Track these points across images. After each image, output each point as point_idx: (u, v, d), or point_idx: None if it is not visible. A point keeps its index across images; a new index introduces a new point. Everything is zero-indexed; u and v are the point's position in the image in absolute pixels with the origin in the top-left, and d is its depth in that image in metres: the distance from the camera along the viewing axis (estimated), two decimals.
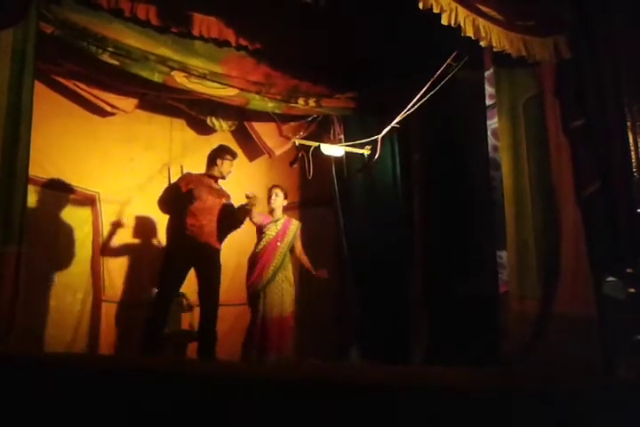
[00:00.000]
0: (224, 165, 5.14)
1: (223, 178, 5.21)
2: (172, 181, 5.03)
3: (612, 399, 2.43)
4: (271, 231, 5.43)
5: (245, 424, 2.40)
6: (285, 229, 5.49)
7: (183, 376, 2.73)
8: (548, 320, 4.28)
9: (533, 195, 4.60)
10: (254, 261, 5.35)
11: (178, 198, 4.94)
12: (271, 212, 5.57)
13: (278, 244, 5.40)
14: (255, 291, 5.28)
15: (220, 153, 5.19)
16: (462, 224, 5.33)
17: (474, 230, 5.29)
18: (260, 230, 5.46)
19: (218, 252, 5.04)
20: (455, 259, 5.30)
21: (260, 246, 5.39)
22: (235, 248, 5.71)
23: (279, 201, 5.56)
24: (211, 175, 5.17)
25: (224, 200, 5.16)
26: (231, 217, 5.12)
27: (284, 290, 5.31)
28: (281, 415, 2.37)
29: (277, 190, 5.58)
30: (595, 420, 2.31)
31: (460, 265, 5.25)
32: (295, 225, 5.58)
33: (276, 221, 5.51)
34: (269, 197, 5.57)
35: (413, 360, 5.29)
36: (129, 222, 6.02)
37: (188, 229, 4.87)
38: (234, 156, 5.24)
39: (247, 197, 5.07)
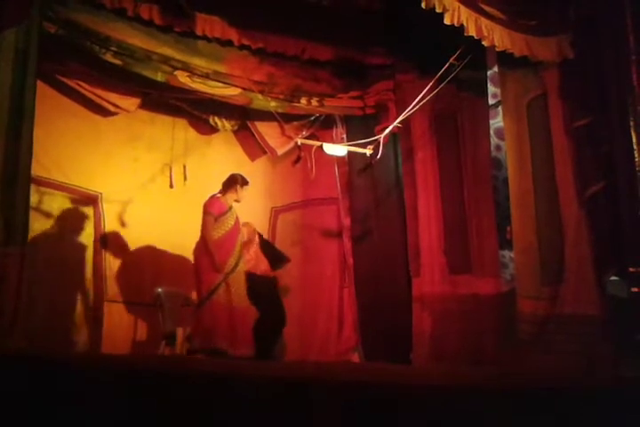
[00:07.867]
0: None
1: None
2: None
3: (615, 399, 2.42)
4: (230, 221, 5.23)
5: (246, 424, 2.41)
6: (237, 223, 5.28)
7: (186, 376, 2.73)
8: (551, 320, 4.27)
9: (537, 194, 4.58)
10: (214, 249, 5.07)
11: None
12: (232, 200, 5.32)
13: (238, 235, 5.26)
14: (217, 281, 5.04)
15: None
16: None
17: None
18: (217, 219, 5.17)
19: None
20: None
21: (218, 234, 5.15)
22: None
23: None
24: None
25: None
26: None
27: (242, 281, 5.15)
28: (281, 416, 2.37)
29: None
30: (597, 420, 2.31)
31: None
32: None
33: (230, 209, 5.27)
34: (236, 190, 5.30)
35: None
36: (131, 222, 6.02)
37: None
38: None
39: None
